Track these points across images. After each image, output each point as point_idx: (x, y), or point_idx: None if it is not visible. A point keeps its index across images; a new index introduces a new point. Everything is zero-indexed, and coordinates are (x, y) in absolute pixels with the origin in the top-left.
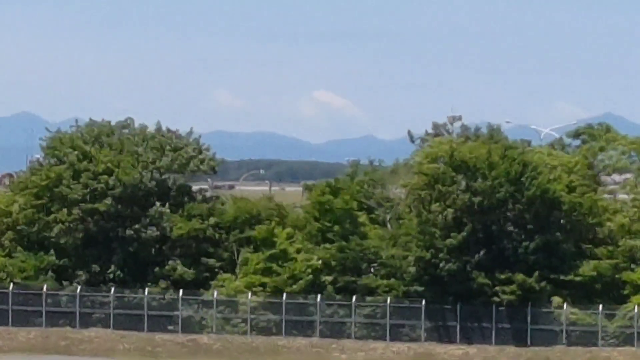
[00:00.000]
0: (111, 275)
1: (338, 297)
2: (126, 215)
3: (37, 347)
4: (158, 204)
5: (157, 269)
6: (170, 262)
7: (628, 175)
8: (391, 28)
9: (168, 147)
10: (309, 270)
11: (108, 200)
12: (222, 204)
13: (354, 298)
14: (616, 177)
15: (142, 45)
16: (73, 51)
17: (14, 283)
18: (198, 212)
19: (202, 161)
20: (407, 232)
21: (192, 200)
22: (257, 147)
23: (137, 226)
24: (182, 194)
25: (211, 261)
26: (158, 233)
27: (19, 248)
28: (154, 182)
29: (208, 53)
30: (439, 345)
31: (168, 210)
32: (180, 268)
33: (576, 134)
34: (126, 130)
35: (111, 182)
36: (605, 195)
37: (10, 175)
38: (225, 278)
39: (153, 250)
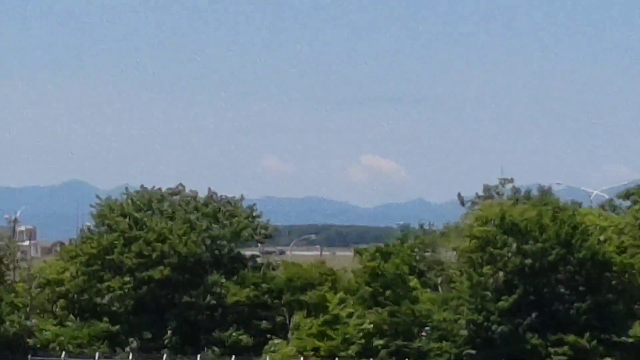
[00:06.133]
0: (166, 342)
1: None
2: (179, 283)
3: None
4: (216, 274)
5: (212, 334)
6: (223, 328)
7: None
8: (438, 91)
9: (221, 215)
10: (361, 335)
11: (163, 268)
12: (274, 269)
13: None
14: None
15: (189, 112)
16: (121, 119)
17: (66, 352)
18: (252, 280)
19: (254, 229)
20: (459, 295)
21: (245, 267)
22: (307, 212)
23: (194, 293)
24: (234, 261)
25: (266, 323)
26: (215, 302)
27: (70, 316)
28: (207, 253)
29: (255, 119)
30: None
31: (223, 279)
32: (234, 334)
33: (626, 195)
34: (177, 197)
35: (165, 250)
36: None
37: (61, 244)
38: (277, 343)
39: (206, 316)
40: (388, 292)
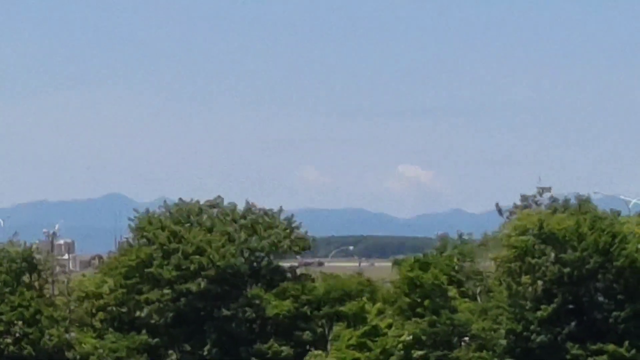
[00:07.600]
0: (205, 354)
1: None
2: (217, 295)
3: None
4: (255, 287)
5: (252, 346)
6: (262, 340)
7: None
8: (475, 102)
9: (259, 227)
10: (400, 346)
11: (201, 281)
12: (313, 281)
13: None
14: None
15: (227, 125)
16: (159, 132)
17: None
18: (292, 292)
19: (293, 240)
20: (498, 304)
21: (283, 278)
22: (345, 223)
23: (233, 306)
24: (273, 273)
25: (305, 335)
26: (254, 315)
27: (109, 329)
28: (246, 265)
29: (293, 131)
30: None
31: (263, 293)
32: (274, 346)
33: None
34: (215, 210)
35: (203, 262)
36: None
37: (100, 257)
38: (317, 355)
39: (246, 328)
40: (427, 303)
